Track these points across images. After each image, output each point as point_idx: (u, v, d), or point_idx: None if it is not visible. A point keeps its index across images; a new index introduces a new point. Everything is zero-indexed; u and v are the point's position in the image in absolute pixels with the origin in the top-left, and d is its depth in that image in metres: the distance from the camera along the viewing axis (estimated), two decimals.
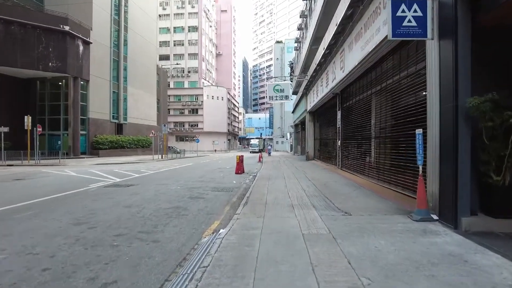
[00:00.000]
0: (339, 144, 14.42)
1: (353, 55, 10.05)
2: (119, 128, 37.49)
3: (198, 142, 41.86)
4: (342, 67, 11.67)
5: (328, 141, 19.06)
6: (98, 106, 33.46)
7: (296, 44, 32.78)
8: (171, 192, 8.66)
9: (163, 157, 30.33)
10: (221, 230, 4.61)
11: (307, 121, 24.49)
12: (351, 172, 12.28)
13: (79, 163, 22.52)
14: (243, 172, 14.47)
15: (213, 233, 4.71)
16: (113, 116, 36.15)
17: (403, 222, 4.87)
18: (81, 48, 30.21)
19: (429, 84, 5.13)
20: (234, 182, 11.06)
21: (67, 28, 28.25)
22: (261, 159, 24.93)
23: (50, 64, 27.83)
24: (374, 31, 7.73)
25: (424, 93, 6.05)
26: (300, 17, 25.96)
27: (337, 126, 14.64)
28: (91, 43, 31.46)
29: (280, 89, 24.01)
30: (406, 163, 7.15)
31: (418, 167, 6.45)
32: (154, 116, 45.33)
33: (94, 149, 32.29)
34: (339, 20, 10.49)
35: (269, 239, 4.11)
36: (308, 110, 23.97)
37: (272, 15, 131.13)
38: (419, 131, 5.01)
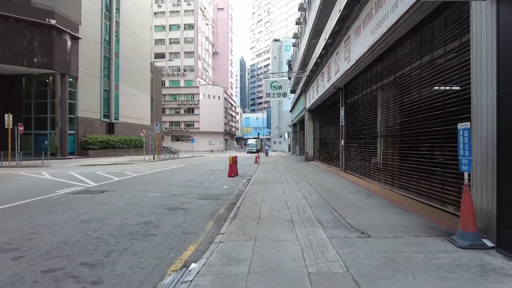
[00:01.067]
0: (342, 144, 13.12)
1: (361, 42, 8.74)
2: (110, 128, 36.03)
3: (193, 142, 40.43)
4: (347, 57, 10.36)
5: (328, 140, 17.77)
6: (88, 105, 31.99)
7: (294, 40, 31.49)
8: (147, 201, 7.30)
9: (155, 158, 28.92)
10: (193, 265, 3.27)
11: (306, 119, 23.19)
12: (357, 176, 10.97)
13: (63, 164, 21.10)
14: (237, 174, 13.13)
15: (182, 267, 3.37)
16: (104, 115, 34.68)
17: (445, 250, 3.54)
18: (69, 43, 28.73)
19: (477, 63, 3.81)
20: (225, 187, 9.71)
21: (53, 22, 26.78)
22: (257, 160, 23.61)
23: (35, 59, 26.34)
24: (390, 8, 6.42)
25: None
26: (299, 10, 24.65)
27: (340, 124, 13.33)
28: (80, 38, 29.99)
29: (278, 86, 22.65)
30: (431, 167, 5.85)
31: (448, 173, 5.17)
32: (148, 115, 43.88)
33: (83, 149, 30.83)
34: (345, 3, 9.17)
35: (260, 284, 2.77)
36: (307, 108, 22.67)
37: (270, 14, 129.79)
38: (464, 125, 3.69)
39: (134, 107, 40.28)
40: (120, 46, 37.20)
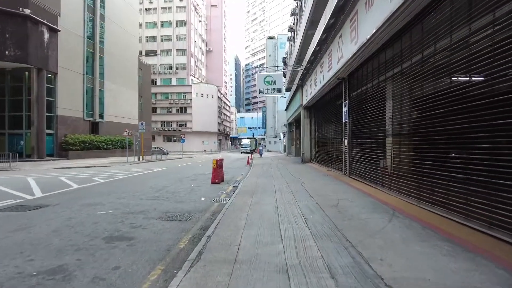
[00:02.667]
0: (346, 145, 11.21)
1: (374, 14, 6.85)
2: (94, 127, 33.83)
3: (183, 142, 38.32)
4: (354, 37, 8.46)
5: (328, 140, 15.88)
6: (69, 102, 29.78)
7: (289, 34, 29.63)
8: (87, 223, 5.30)
9: (140, 160, 26.79)
10: None
11: (303, 117, 21.29)
12: (366, 183, 9.06)
13: (34, 167, 18.97)
14: (222, 180, 11.16)
15: None
16: (87, 113, 32.47)
17: None
18: (46, 35, 26.51)
19: None
20: (203, 199, 7.71)
21: (27, 11, 24.58)
22: (250, 161, 21.66)
23: (6, 52, 24.10)
24: None
25: None
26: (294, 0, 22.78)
27: (343, 121, 11.44)
28: (59, 31, 27.79)
29: (272, 81, 20.77)
30: (491, 178, 3.95)
31: None
32: (136, 114, 41.63)
33: (64, 150, 28.61)
34: None
35: None
36: (303, 105, 20.77)
37: (265, 12, 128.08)
38: None
39: (121, 106, 38.07)
40: (105, 41, 35.00)
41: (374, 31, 6.88)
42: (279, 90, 20.71)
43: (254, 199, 7.07)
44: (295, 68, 21.54)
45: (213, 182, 10.56)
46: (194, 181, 11.51)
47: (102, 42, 34.54)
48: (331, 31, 11.07)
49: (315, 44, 12.98)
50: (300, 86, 21.46)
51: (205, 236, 4.36)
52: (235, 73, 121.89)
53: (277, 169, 15.59)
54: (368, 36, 7.29)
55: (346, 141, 11.17)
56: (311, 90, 16.98)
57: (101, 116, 34.66)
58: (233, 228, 4.73)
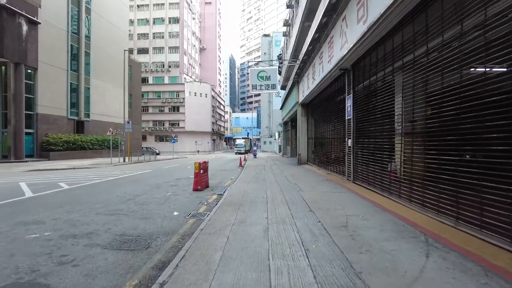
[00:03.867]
0: (349, 145, 9.75)
1: None
2: (79, 126, 32.01)
3: (174, 142, 36.64)
4: (363, 15, 6.99)
5: (327, 140, 14.43)
6: (51, 100, 27.96)
7: (285, 29, 28.17)
8: None
9: (125, 161, 25.09)
10: None
11: (299, 116, 19.82)
12: (376, 191, 7.57)
13: (6, 170, 17.25)
14: (207, 186, 9.60)
15: None
16: (71, 112, 30.65)
17: None
18: (24, 28, 24.72)
19: None
20: (175, 214, 6.15)
21: (3, 1, 22.82)
22: (242, 163, 20.14)
23: None
24: None
25: None
26: None
27: (346, 118, 9.98)
28: (39, 23, 26.02)
29: (266, 77, 19.26)
30: None
31: None
32: (125, 112, 39.66)
33: (45, 150, 26.79)
34: None
35: None
36: (300, 102, 19.31)
37: (260, 11, 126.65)
38: None
39: (109, 104, 36.23)
40: (92, 36, 33.20)
41: (391, 2, 5.42)
42: (273, 86, 19.21)
43: (240, 215, 5.55)
44: (291, 63, 20.06)
45: (195, 189, 9.00)
46: (173, 187, 9.91)
47: (88, 37, 32.77)
48: (333, 15, 9.60)
49: (314, 31, 11.49)
50: (296, 82, 20.00)
51: (157, 283, 2.85)
52: (230, 72, 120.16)
53: (271, 172, 14.09)
54: (382, 10, 5.84)
55: (349, 141, 9.71)
56: (309, 85, 15.51)
57: (87, 115, 32.89)
58: (202, 266, 3.22)
